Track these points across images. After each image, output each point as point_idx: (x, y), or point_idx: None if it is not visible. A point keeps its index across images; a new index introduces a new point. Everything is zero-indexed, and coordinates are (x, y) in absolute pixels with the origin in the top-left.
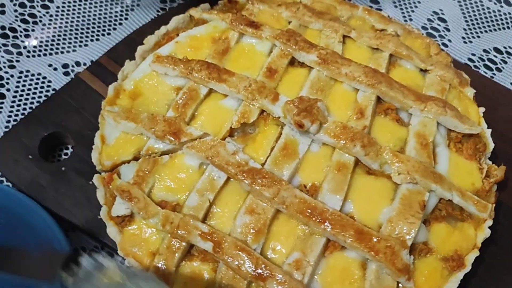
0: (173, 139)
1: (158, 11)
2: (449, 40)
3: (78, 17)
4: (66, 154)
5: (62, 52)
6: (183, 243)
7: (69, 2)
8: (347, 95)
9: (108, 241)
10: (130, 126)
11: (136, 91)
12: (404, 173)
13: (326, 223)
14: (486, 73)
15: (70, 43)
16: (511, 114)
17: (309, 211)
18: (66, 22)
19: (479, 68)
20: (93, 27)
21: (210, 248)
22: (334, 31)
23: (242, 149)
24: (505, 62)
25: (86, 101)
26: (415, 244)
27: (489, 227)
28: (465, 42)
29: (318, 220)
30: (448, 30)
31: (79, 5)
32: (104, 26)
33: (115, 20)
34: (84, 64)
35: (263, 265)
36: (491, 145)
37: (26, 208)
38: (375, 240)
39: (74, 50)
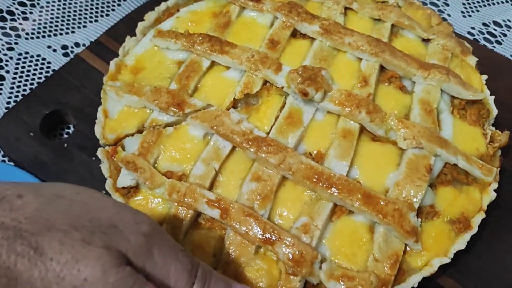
0: (177, 111)
1: None
2: (448, 15)
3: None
4: (67, 133)
5: (61, 34)
6: (190, 211)
7: None
8: (351, 64)
9: None
10: (133, 100)
11: (138, 66)
12: (409, 138)
13: (333, 188)
14: (486, 46)
15: (68, 24)
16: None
17: (316, 176)
18: (64, 4)
19: (479, 42)
20: (92, 8)
21: (218, 215)
22: (336, 2)
23: (246, 119)
24: (505, 35)
25: (86, 79)
26: (422, 207)
27: (494, 191)
28: (464, 16)
29: (325, 185)
30: (447, 4)
31: None
32: (102, 7)
33: (113, 1)
34: (84, 45)
35: (271, 230)
36: (494, 111)
37: None
38: (382, 203)
39: (73, 32)
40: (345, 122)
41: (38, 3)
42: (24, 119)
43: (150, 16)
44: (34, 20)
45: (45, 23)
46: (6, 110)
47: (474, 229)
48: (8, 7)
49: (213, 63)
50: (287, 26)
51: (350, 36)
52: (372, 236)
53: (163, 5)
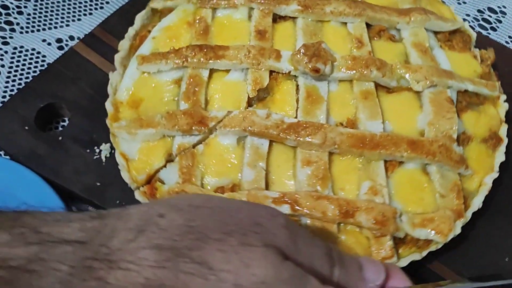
0: (202, 128)
1: None
2: (443, 2)
3: None
4: (63, 126)
5: (55, 27)
6: None
7: None
8: (339, 31)
9: (108, 207)
10: (149, 133)
11: (134, 99)
12: (422, 80)
13: (379, 147)
14: (481, 32)
15: (63, 18)
16: (506, 70)
17: (361, 142)
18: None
19: (474, 28)
20: (86, 2)
21: (288, 209)
22: None
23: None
24: (500, 22)
25: (81, 71)
26: (458, 136)
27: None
28: (459, 3)
29: (371, 147)
30: None
31: None
32: (96, 0)
33: None
34: (78, 38)
35: (345, 203)
36: (473, 35)
37: (24, 179)
38: (427, 144)
39: (67, 25)
40: (359, 85)
41: None
42: (19, 112)
43: (123, 45)
44: (29, 14)
45: (40, 17)
46: (1, 104)
47: (505, 140)
48: (2, 1)
49: (212, 71)
50: (266, 13)
51: (329, 4)
52: (428, 177)
53: (131, 31)
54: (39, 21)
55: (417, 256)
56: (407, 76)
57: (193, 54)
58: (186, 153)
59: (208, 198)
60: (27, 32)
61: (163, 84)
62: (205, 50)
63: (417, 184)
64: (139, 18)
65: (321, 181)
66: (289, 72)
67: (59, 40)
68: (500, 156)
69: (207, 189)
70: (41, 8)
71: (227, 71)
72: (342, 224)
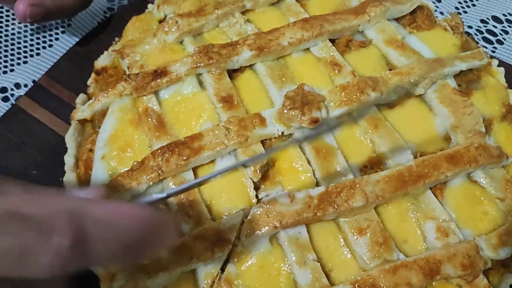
0: (223, 246)
1: (103, 15)
2: (441, 13)
3: (13, 31)
4: None
5: None
6: None
7: None
8: (307, 60)
9: None
10: (163, 278)
11: None
12: (420, 81)
13: (421, 178)
14: (486, 47)
15: (6, 61)
16: None
17: (402, 181)
18: None
19: (478, 42)
20: (32, 39)
21: None
22: (230, 15)
23: (288, 190)
24: (506, 33)
25: (27, 134)
26: None
27: None
28: (459, 13)
29: (414, 181)
30: (439, 0)
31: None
32: (44, 36)
33: (56, 29)
34: (25, 85)
35: (424, 262)
36: (430, 4)
37: None
38: (464, 152)
39: (11, 70)
40: (361, 114)
41: None
42: None
43: (69, 182)
44: None
45: None
46: None
47: None
48: None
49: (195, 169)
50: (219, 74)
51: (282, 35)
52: (479, 186)
53: (68, 159)
54: None
55: (511, 278)
56: (405, 79)
57: (166, 160)
58: (219, 283)
59: None
60: None
61: None
62: (176, 150)
63: (472, 198)
64: (70, 139)
65: (384, 246)
66: (283, 133)
67: (3, 90)
68: None
69: None
70: None
71: (212, 161)
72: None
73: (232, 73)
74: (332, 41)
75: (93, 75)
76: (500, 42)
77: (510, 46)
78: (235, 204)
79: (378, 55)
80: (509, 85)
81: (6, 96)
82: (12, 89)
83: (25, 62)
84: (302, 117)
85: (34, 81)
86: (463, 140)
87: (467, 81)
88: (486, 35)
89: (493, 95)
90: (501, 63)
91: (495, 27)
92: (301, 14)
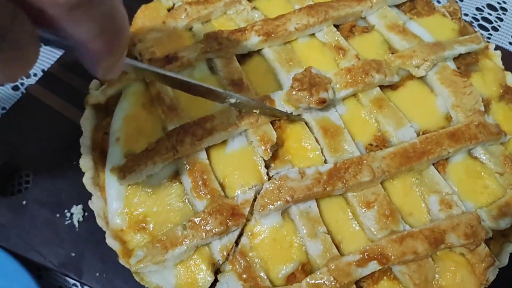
0: (238, 220)
1: None
2: (438, 1)
3: None
4: (27, 182)
5: None
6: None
7: None
8: (313, 45)
9: (86, 281)
10: (180, 252)
11: (135, 220)
12: (421, 63)
13: (425, 154)
14: (482, 34)
15: None
16: None
17: (406, 157)
18: None
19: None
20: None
21: (377, 265)
22: (237, 2)
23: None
24: (501, 20)
25: (40, 120)
26: None
27: None
28: (455, 1)
29: (418, 157)
30: None
31: None
32: None
33: None
34: (35, 75)
35: (429, 232)
36: None
37: None
38: (464, 129)
39: None
40: (366, 96)
41: None
42: None
43: (85, 164)
44: None
45: None
46: None
47: None
48: None
49: (208, 149)
50: (228, 59)
51: (289, 21)
52: (480, 161)
53: (84, 142)
54: None
55: (510, 247)
56: (409, 62)
57: (180, 140)
58: (234, 255)
59: None
60: None
61: (160, 188)
62: (190, 131)
63: (473, 173)
64: (86, 123)
65: (391, 218)
66: (291, 113)
67: None
68: None
69: (278, 284)
70: None
71: (223, 142)
72: (438, 253)
73: (241, 59)
74: (336, 26)
75: None
76: (495, 29)
77: (505, 33)
78: (247, 181)
79: (380, 40)
80: (505, 69)
81: (16, 86)
82: (22, 78)
83: None
84: (310, 98)
85: (43, 71)
86: (463, 118)
87: (466, 64)
88: (481, 22)
89: (490, 77)
90: (497, 48)
91: (490, 14)
92: (305, 1)
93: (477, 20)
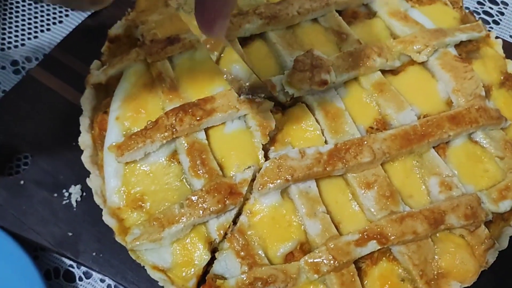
0: (235, 199)
1: None
2: None
3: (23, 8)
4: (25, 163)
5: (9, 48)
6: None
7: None
8: (315, 29)
9: (83, 261)
10: (176, 230)
11: (133, 198)
12: (423, 48)
13: (425, 136)
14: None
15: (17, 36)
16: None
17: (407, 140)
18: (10, 14)
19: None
20: (42, 15)
21: (376, 244)
22: None
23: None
24: (502, 14)
25: (40, 102)
26: None
27: None
28: None
29: (418, 139)
30: None
31: None
32: (54, 13)
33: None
34: (36, 59)
35: (429, 212)
36: None
37: None
38: (465, 113)
39: (22, 44)
40: (367, 79)
41: None
42: None
43: (84, 142)
44: None
45: None
46: None
47: None
48: None
49: (207, 130)
50: (230, 41)
51: (291, 6)
52: (479, 145)
53: (83, 120)
54: None
55: (511, 231)
56: (410, 48)
57: (180, 119)
58: (232, 233)
59: None
60: None
61: (157, 167)
62: (190, 111)
63: (473, 157)
64: (86, 102)
65: (391, 199)
66: (293, 95)
67: (14, 63)
68: None
69: (276, 262)
70: None
71: (223, 123)
72: (438, 234)
73: (243, 42)
74: (339, 12)
75: (107, 43)
76: (496, 22)
77: (506, 26)
78: (245, 162)
79: (382, 26)
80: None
81: (18, 69)
82: (23, 62)
83: (35, 37)
84: (312, 79)
85: (45, 55)
86: (464, 102)
87: (467, 51)
88: (483, 16)
89: (491, 64)
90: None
91: (491, 8)
92: None
93: (478, 13)
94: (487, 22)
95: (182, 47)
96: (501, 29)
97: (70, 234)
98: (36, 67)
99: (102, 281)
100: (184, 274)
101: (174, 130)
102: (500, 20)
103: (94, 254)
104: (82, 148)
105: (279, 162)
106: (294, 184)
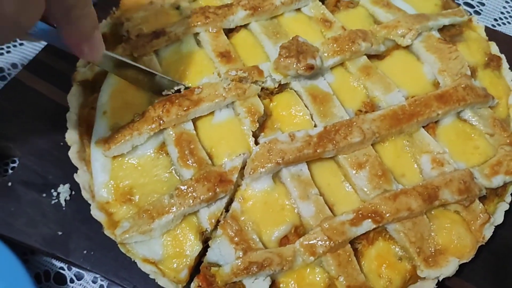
0: (227, 186)
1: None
2: None
3: None
4: (13, 166)
5: None
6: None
7: None
8: (299, 19)
9: (74, 260)
10: (166, 221)
11: (121, 192)
12: (406, 32)
13: (414, 115)
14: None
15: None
16: None
17: (395, 119)
18: None
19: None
20: None
21: (371, 223)
22: None
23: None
24: (483, 4)
25: (26, 103)
26: None
27: None
28: None
29: (407, 119)
30: None
31: None
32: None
33: None
34: (22, 65)
35: (423, 189)
36: None
37: None
38: (452, 92)
39: (8, 52)
40: (354, 64)
41: None
42: None
43: (71, 138)
44: None
45: None
46: None
47: (503, 57)
48: None
49: (195, 121)
50: (216, 32)
51: None
52: (469, 123)
53: (71, 116)
54: None
55: (505, 206)
56: (394, 32)
57: (166, 110)
58: (225, 220)
59: None
60: None
61: (146, 160)
62: (177, 101)
63: (463, 134)
64: (73, 99)
65: (384, 178)
66: (280, 82)
67: (0, 70)
68: (509, 74)
69: (271, 247)
70: None
71: (211, 113)
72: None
73: (228, 33)
74: (322, 1)
75: None
76: (477, 13)
77: (487, 16)
78: (235, 150)
79: (365, 14)
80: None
81: (4, 76)
82: (9, 69)
83: (21, 44)
84: (298, 64)
85: (31, 59)
86: (450, 82)
87: (450, 35)
88: (464, 7)
89: (475, 46)
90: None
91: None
92: None
93: (459, 5)
94: (468, 13)
95: (168, 40)
96: (482, 19)
97: (60, 233)
98: (22, 70)
99: (94, 282)
100: (175, 265)
101: (161, 121)
102: (481, 10)
103: (85, 252)
104: (69, 144)
105: (269, 146)
106: (286, 167)
